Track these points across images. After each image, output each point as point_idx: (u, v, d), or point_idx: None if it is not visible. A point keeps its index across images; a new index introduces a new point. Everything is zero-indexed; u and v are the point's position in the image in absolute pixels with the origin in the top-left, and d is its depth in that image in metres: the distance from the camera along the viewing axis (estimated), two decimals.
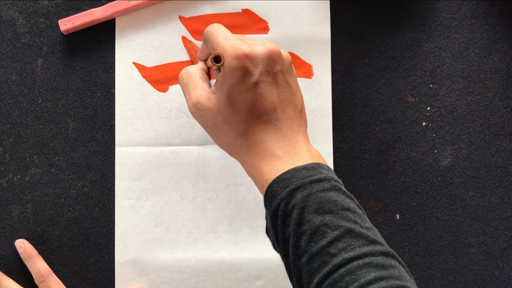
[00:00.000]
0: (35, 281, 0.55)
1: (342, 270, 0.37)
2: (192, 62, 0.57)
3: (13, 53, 0.57)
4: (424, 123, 0.56)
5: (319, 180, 0.41)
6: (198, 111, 0.45)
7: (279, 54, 0.44)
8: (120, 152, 0.57)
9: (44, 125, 0.57)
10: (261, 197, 0.56)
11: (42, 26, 0.57)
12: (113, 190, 0.57)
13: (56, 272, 0.56)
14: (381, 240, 0.40)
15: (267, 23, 0.57)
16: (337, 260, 0.38)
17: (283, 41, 0.57)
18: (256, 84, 0.43)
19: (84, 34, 0.57)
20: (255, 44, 0.44)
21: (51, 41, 0.57)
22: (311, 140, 0.56)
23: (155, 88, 0.57)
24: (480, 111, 0.56)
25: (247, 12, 0.57)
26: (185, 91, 0.47)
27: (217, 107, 0.44)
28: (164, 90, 0.57)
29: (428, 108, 0.56)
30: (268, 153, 0.43)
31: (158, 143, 0.57)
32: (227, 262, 0.56)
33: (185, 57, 0.57)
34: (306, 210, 0.40)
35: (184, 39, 0.56)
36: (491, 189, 0.56)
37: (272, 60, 0.44)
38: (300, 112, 0.45)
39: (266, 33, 0.57)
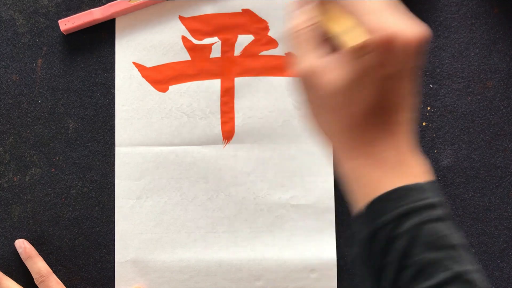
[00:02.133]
0: (35, 281, 0.55)
1: None
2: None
3: (13, 53, 0.57)
4: (424, 123, 0.56)
5: (431, 206, 0.36)
6: (308, 82, 0.37)
7: (423, 47, 0.36)
8: (120, 152, 0.57)
9: (44, 125, 0.57)
10: (261, 197, 0.56)
11: (42, 26, 0.57)
12: (113, 190, 0.57)
13: (56, 272, 0.56)
14: (488, 285, 0.37)
15: (267, 23, 0.57)
16: None
17: (283, 41, 0.57)
18: (393, 76, 0.36)
19: (84, 34, 0.57)
20: (406, 25, 0.35)
21: (51, 41, 0.57)
22: (311, 140, 0.56)
23: (155, 88, 0.57)
24: (480, 111, 0.56)
25: (247, 12, 0.57)
26: (298, 50, 0.38)
27: (334, 86, 0.36)
28: (164, 90, 0.57)
29: (428, 108, 0.56)
30: (376, 158, 0.37)
31: (158, 143, 0.57)
32: (227, 262, 0.56)
33: (185, 57, 0.57)
34: (415, 242, 0.35)
35: None
36: (491, 189, 0.56)
37: (417, 53, 0.35)
38: (412, 117, 0.39)
39: (267, 33, 0.57)
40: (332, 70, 0.36)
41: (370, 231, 0.36)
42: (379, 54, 0.34)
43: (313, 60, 0.37)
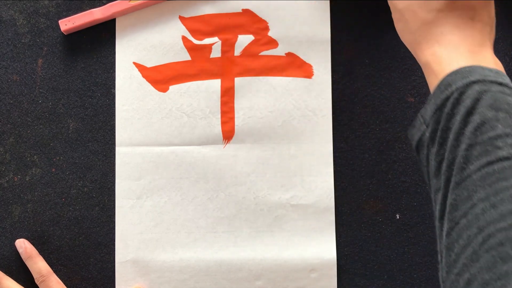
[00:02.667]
0: (36, 281, 0.55)
1: (505, 163, 0.35)
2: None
3: (13, 53, 0.57)
4: None
5: (501, 84, 0.39)
6: (407, 4, 0.43)
7: None
8: (120, 152, 0.57)
9: (45, 125, 0.57)
10: (261, 197, 0.56)
11: (42, 26, 0.57)
12: (114, 190, 0.57)
13: (57, 272, 0.56)
14: None
15: (267, 23, 0.57)
16: (502, 153, 0.36)
17: (283, 41, 0.57)
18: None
19: (85, 34, 0.57)
20: None
21: (52, 41, 0.57)
22: (311, 140, 0.56)
23: (155, 88, 0.57)
24: None
25: (247, 12, 0.57)
26: None
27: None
28: (164, 90, 0.57)
29: None
30: (452, 46, 0.41)
31: (158, 143, 0.57)
32: (227, 262, 0.56)
33: (185, 57, 0.57)
34: (481, 102, 0.37)
35: None
36: None
37: None
38: (492, 22, 0.44)
39: (267, 33, 0.57)
40: None
41: (441, 99, 0.39)
42: None
43: None
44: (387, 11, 0.57)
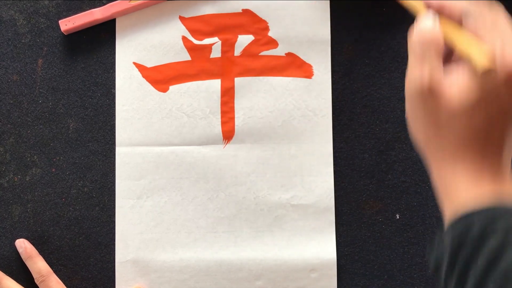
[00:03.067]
0: (36, 281, 0.55)
1: None
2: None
3: (13, 53, 0.57)
4: None
5: None
6: (426, 94, 0.37)
7: None
8: (121, 152, 0.57)
9: (45, 125, 0.57)
10: (261, 197, 0.56)
11: (42, 26, 0.57)
12: (114, 190, 0.57)
13: (57, 272, 0.56)
14: None
15: (267, 23, 0.57)
16: None
17: (283, 41, 0.57)
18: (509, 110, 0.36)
19: (85, 34, 0.57)
20: None
21: (52, 41, 0.57)
22: (311, 140, 0.56)
23: (155, 88, 0.57)
24: None
25: (247, 12, 0.57)
26: (417, 59, 0.37)
27: (458, 104, 0.36)
28: (164, 90, 0.57)
29: None
30: (472, 169, 0.37)
31: (158, 143, 0.57)
32: (227, 262, 0.56)
33: (185, 57, 0.57)
34: (506, 246, 0.33)
35: None
36: None
37: None
38: None
39: (267, 33, 0.57)
40: (456, 87, 0.36)
41: (460, 231, 0.35)
42: (506, 85, 0.35)
43: (437, 73, 0.37)
44: (387, 11, 0.57)
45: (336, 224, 0.56)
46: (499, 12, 0.37)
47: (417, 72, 0.37)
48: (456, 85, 0.36)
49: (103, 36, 0.57)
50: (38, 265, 0.55)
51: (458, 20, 0.38)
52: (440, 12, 0.39)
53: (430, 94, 0.37)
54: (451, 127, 0.37)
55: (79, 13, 0.57)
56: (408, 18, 0.57)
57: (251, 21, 0.57)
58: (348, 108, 0.57)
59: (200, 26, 0.57)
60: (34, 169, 0.57)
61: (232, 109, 0.57)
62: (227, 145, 0.57)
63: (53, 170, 0.57)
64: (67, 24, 0.56)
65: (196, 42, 0.57)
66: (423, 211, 0.56)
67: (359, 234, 0.56)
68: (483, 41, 0.36)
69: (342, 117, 0.57)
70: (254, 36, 0.57)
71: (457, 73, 0.37)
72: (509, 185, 0.37)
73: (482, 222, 0.34)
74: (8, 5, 0.57)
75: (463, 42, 0.37)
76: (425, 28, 0.38)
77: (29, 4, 0.57)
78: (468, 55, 0.36)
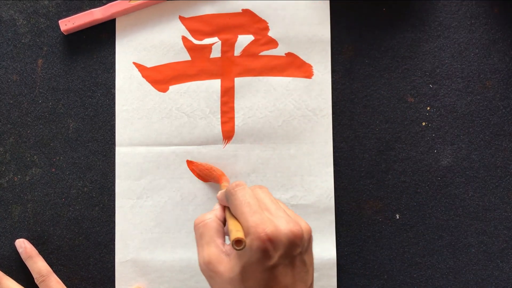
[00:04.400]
0: (35, 280, 0.55)
1: None
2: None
3: (13, 53, 0.57)
4: (423, 123, 0.56)
5: None
6: (207, 270, 0.44)
7: (300, 237, 0.42)
8: (120, 152, 0.57)
9: (45, 125, 0.57)
10: None
11: (42, 26, 0.57)
12: (114, 190, 0.57)
13: (57, 271, 0.56)
14: None
15: (267, 23, 0.57)
16: None
17: (283, 41, 0.57)
18: (273, 267, 0.42)
19: (85, 34, 0.57)
20: (278, 224, 0.42)
21: (52, 41, 0.57)
22: (311, 140, 0.56)
23: (155, 88, 0.57)
24: (480, 111, 0.56)
25: (247, 12, 0.57)
26: (199, 242, 0.45)
27: (228, 276, 0.43)
28: (164, 90, 0.57)
29: (428, 108, 0.56)
30: None
31: (158, 143, 0.57)
32: None
33: (185, 57, 0.57)
34: None
35: (188, 162, 0.56)
36: (491, 189, 0.56)
37: (293, 244, 0.42)
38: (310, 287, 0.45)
39: (267, 33, 0.57)
40: (224, 262, 0.43)
41: None
42: (256, 250, 0.41)
43: (212, 249, 0.44)
44: (387, 11, 0.57)
45: (336, 224, 0.56)
46: (256, 187, 0.46)
47: (199, 250, 0.45)
48: (227, 259, 0.43)
49: (103, 36, 0.57)
50: (38, 265, 0.55)
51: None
52: (223, 203, 0.48)
53: (209, 269, 0.43)
54: None
55: (79, 13, 0.57)
56: (408, 18, 0.57)
57: (251, 21, 0.57)
58: (348, 108, 0.57)
59: (200, 26, 0.57)
60: (34, 169, 0.57)
61: (232, 109, 0.57)
62: (227, 145, 0.57)
63: (53, 170, 0.57)
64: (67, 24, 0.56)
65: (196, 42, 0.57)
66: (423, 211, 0.56)
67: (359, 234, 0.56)
68: (239, 217, 0.43)
69: (342, 117, 0.57)
70: (254, 36, 0.57)
71: (230, 249, 0.44)
72: None
73: None
74: (8, 5, 0.57)
75: (229, 222, 0.44)
76: (201, 217, 0.46)
77: (29, 4, 0.57)
78: (230, 232, 0.42)
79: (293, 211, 0.46)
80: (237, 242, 0.41)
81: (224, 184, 0.54)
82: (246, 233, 0.42)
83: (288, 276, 0.43)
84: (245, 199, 0.44)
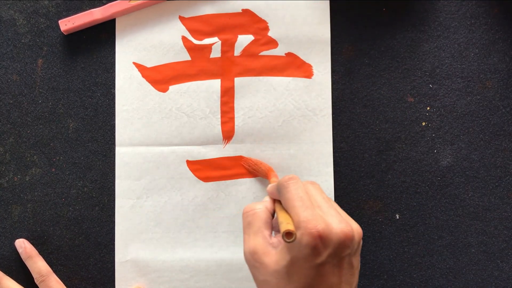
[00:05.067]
0: (35, 280, 0.55)
1: None
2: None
3: (13, 53, 0.57)
4: (423, 123, 0.56)
5: None
6: (252, 260, 0.44)
7: (351, 239, 0.42)
8: (120, 152, 0.57)
9: (45, 125, 0.57)
10: (261, 197, 0.56)
11: (42, 26, 0.57)
12: (113, 190, 0.57)
13: (56, 271, 0.56)
14: None
15: (267, 23, 0.57)
16: None
17: (283, 41, 0.57)
18: (321, 265, 0.41)
19: (84, 34, 0.57)
20: (330, 222, 0.42)
21: (52, 41, 0.57)
22: (311, 140, 0.56)
23: (155, 88, 0.57)
24: (480, 111, 0.56)
25: (247, 12, 0.57)
26: (246, 231, 0.45)
27: (273, 268, 0.42)
28: (164, 90, 0.57)
29: (428, 108, 0.56)
30: None
31: (158, 143, 0.57)
32: (227, 262, 0.56)
33: (185, 57, 0.57)
34: None
35: (239, 158, 0.56)
36: (491, 189, 0.56)
37: (343, 245, 0.41)
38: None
39: (267, 33, 0.57)
40: (271, 254, 0.43)
41: None
42: (306, 246, 0.40)
43: (259, 240, 0.44)
44: (387, 11, 0.57)
45: None
46: (308, 183, 0.46)
47: (246, 239, 0.45)
48: (273, 252, 0.43)
49: (103, 36, 0.57)
50: (38, 265, 0.55)
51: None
52: (273, 196, 0.48)
53: (254, 259, 0.43)
54: (271, 286, 0.43)
55: (79, 13, 0.57)
56: (408, 18, 0.57)
57: (251, 21, 0.57)
58: (348, 108, 0.57)
59: (200, 26, 0.57)
60: (34, 169, 0.57)
61: (232, 109, 0.57)
62: (227, 145, 0.57)
63: (53, 170, 0.57)
64: (67, 24, 0.56)
65: (196, 42, 0.57)
66: (423, 211, 0.56)
67: None
68: (290, 211, 0.43)
69: (342, 117, 0.57)
70: (254, 36, 0.57)
71: (277, 242, 0.44)
72: None
73: None
74: (8, 5, 0.57)
75: (279, 215, 0.44)
76: (251, 206, 0.46)
77: (29, 4, 0.57)
78: (280, 224, 0.42)
79: (344, 212, 0.45)
80: (288, 234, 0.40)
81: (273, 179, 0.53)
82: (297, 227, 0.41)
83: (335, 276, 0.42)
84: (297, 193, 0.44)
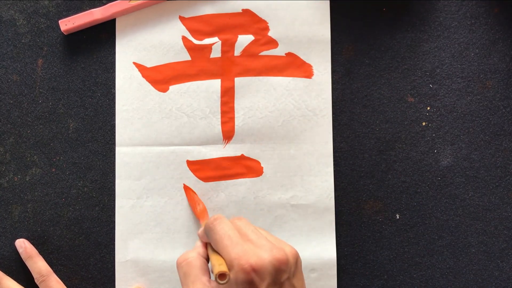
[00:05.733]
0: (36, 280, 0.55)
1: None
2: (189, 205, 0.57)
3: (13, 53, 0.57)
4: (424, 123, 0.56)
5: None
6: None
7: (286, 262, 0.42)
8: (121, 152, 0.57)
9: (45, 125, 0.57)
10: (261, 197, 0.56)
11: (42, 26, 0.57)
12: (114, 190, 0.57)
13: (57, 271, 0.56)
14: None
15: (267, 23, 0.57)
16: None
17: (283, 41, 0.57)
18: None
19: (85, 34, 0.57)
20: (261, 253, 0.42)
21: (52, 41, 0.57)
22: (311, 140, 0.56)
23: (155, 88, 0.57)
24: (480, 111, 0.56)
25: (247, 12, 0.57)
26: (183, 282, 0.45)
27: None
28: (164, 90, 0.57)
29: (428, 108, 0.56)
30: None
31: (158, 143, 0.57)
32: None
33: (185, 57, 0.57)
34: None
35: (185, 187, 0.56)
36: (491, 189, 0.56)
37: (279, 271, 0.42)
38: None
39: (267, 33, 0.57)
40: None
41: None
42: (242, 283, 0.41)
43: (199, 286, 0.43)
44: (387, 11, 0.57)
45: (336, 224, 0.56)
46: (234, 219, 0.46)
47: None
48: None
49: (103, 36, 0.57)
50: (38, 265, 0.55)
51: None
52: (204, 239, 0.48)
53: None
54: None
55: (79, 13, 0.57)
56: (408, 18, 0.57)
57: (251, 21, 0.57)
58: (348, 108, 0.57)
59: (200, 26, 0.57)
60: (34, 169, 0.57)
61: (232, 109, 0.57)
62: (227, 145, 0.57)
63: (53, 170, 0.57)
64: (67, 24, 0.56)
65: (196, 42, 0.57)
66: (423, 211, 0.56)
67: (359, 234, 0.56)
68: (221, 251, 0.43)
69: (342, 117, 0.57)
70: (254, 36, 0.57)
71: (217, 285, 0.43)
72: None
73: None
74: (8, 5, 0.57)
75: (212, 258, 0.44)
76: (184, 256, 0.46)
77: (29, 4, 0.57)
78: (213, 266, 0.42)
79: (276, 237, 0.45)
80: (221, 276, 0.40)
81: (205, 222, 0.53)
82: (230, 267, 0.41)
83: None
84: (225, 232, 0.44)
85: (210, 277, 0.45)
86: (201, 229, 0.49)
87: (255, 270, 0.41)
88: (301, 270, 0.45)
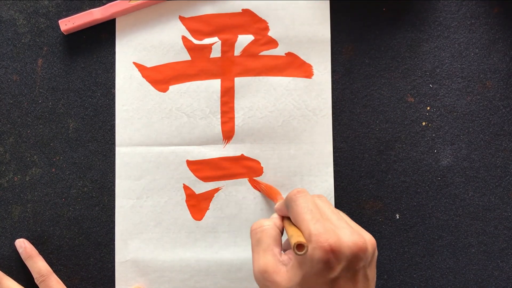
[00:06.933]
0: (36, 280, 0.55)
1: None
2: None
3: (13, 53, 0.57)
4: (424, 123, 0.56)
5: None
6: (263, 279, 0.42)
7: (364, 250, 0.40)
8: (120, 152, 0.57)
9: (45, 125, 0.57)
10: (261, 197, 0.56)
11: (42, 26, 0.57)
12: (114, 190, 0.57)
13: (57, 271, 0.56)
14: None
15: (267, 23, 0.57)
16: None
17: (283, 41, 0.57)
18: (335, 280, 0.40)
19: (85, 34, 0.57)
20: (341, 235, 0.40)
21: (52, 41, 0.57)
22: (311, 140, 0.56)
23: (155, 88, 0.57)
24: (480, 111, 0.56)
25: (247, 12, 0.57)
26: (255, 249, 0.44)
27: (285, 286, 0.41)
28: (164, 90, 0.57)
29: (428, 108, 0.56)
30: None
31: (158, 143, 0.57)
32: (227, 262, 0.56)
33: (185, 57, 0.57)
34: None
35: (251, 180, 0.56)
36: (491, 189, 0.56)
37: (357, 257, 0.40)
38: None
39: (267, 33, 0.57)
40: (282, 272, 0.42)
41: None
42: (318, 261, 0.39)
43: (269, 258, 0.43)
44: (387, 11, 0.57)
45: None
46: (315, 196, 0.45)
47: (255, 257, 0.43)
48: (284, 269, 0.42)
49: (103, 36, 0.57)
50: (38, 265, 0.55)
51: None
52: (281, 213, 0.47)
53: (264, 278, 0.42)
54: None
55: (79, 13, 0.57)
56: (408, 18, 0.57)
57: (251, 21, 0.57)
58: (348, 108, 0.57)
59: (200, 26, 0.57)
60: (34, 169, 0.57)
61: (232, 109, 0.57)
62: (227, 145, 0.57)
63: (53, 170, 0.57)
64: (67, 24, 0.56)
65: (196, 42, 0.57)
66: (423, 211, 0.56)
67: None
68: (300, 225, 0.42)
69: (342, 117, 0.57)
70: (254, 36, 0.57)
71: (287, 259, 0.42)
72: None
73: None
74: (8, 5, 0.57)
75: (289, 229, 0.43)
76: (259, 223, 0.45)
77: (29, 4, 0.57)
78: (290, 237, 0.41)
79: (355, 223, 0.44)
80: (299, 247, 0.39)
81: (279, 198, 0.52)
82: (308, 241, 0.40)
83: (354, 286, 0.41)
84: (307, 206, 0.43)
85: (281, 250, 0.44)
86: (279, 202, 0.48)
87: (334, 251, 0.39)
88: (376, 261, 0.43)
